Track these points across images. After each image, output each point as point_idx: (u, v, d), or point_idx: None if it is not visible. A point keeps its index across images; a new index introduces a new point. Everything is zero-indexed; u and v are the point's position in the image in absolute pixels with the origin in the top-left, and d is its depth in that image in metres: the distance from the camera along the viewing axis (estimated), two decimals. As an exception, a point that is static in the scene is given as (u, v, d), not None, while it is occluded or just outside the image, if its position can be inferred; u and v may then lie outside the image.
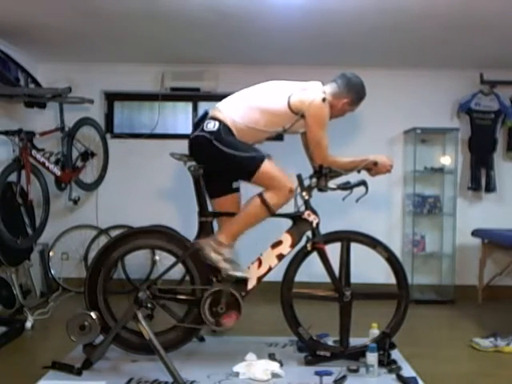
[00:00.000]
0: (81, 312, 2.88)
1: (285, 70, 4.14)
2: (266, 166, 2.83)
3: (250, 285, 2.92)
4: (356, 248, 3.04)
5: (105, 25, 3.78)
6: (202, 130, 2.87)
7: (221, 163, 2.88)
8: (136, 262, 4.50)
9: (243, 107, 2.93)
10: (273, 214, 2.87)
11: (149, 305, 2.85)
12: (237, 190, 3.15)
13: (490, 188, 4.80)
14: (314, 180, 2.99)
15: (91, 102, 4.58)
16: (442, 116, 4.86)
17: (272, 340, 3.37)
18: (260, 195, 2.85)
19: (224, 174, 3.01)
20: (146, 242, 3.07)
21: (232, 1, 3.28)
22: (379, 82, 4.45)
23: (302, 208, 2.98)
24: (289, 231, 2.98)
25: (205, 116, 2.97)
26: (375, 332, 3.07)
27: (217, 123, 2.85)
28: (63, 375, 2.78)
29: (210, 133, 2.83)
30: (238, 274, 2.86)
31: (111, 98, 5.10)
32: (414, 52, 4.36)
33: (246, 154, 2.82)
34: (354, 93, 3.02)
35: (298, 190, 2.96)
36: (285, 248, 2.94)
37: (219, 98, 3.20)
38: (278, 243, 2.95)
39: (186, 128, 4.97)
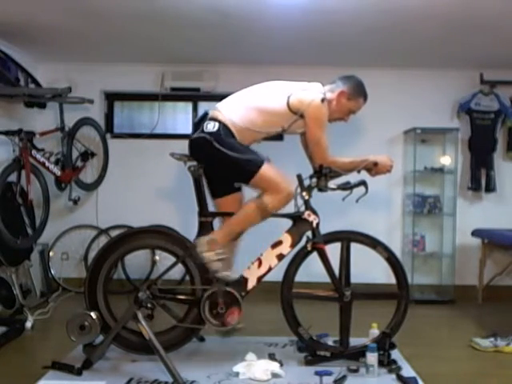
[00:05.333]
0: (81, 312, 2.88)
1: (285, 70, 4.14)
2: (265, 170, 2.82)
3: (250, 285, 2.92)
4: (356, 248, 3.04)
5: (105, 25, 3.78)
6: (202, 131, 2.87)
7: (220, 164, 2.88)
8: (136, 262, 4.50)
9: (242, 107, 2.93)
10: (268, 216, 2.87)
11: (149, 305, 2.85)
12: (239, 189, 3.15)
13: (490, 188, 4.80)
14: (314, 180, 2.98)
15: (91, 102, 4.58)
16: (442, 116, 4.86)
17: (272, 340, 3.37)
18: (256, 199, 2.86)
19: (224, 174, 3.00)
20: (146, 241, 3.07)
21: (232, 1, 3.28)
22: (379, 81, 4.45)
23: (302, 208, 2.98)
24: (289, 231, 2.97)
25: (204, 116, 2.97)
26: (375, 332, 3.07)
27: (216, 124, 2.85)
28: (63, 375, 2.77)
29: (210, 134, 2.83)
30: (226, 274, 2.86)
31: (111, 97, 5.10)
32: (414, 52, 4.36)
33: (245, 157, 2.82)
34: (349, 84, 3.01)
35: (298, 190, 2.96)
36: (285, 248, 2.94)
37: (219, 98, 3.20)
38: (278, 243, 2.95)
39: (186, 128, 4.98)
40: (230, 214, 3.03)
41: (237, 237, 3.06)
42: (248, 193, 3.12)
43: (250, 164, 2.82)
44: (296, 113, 2.90)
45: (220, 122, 2.86)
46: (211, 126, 2.85)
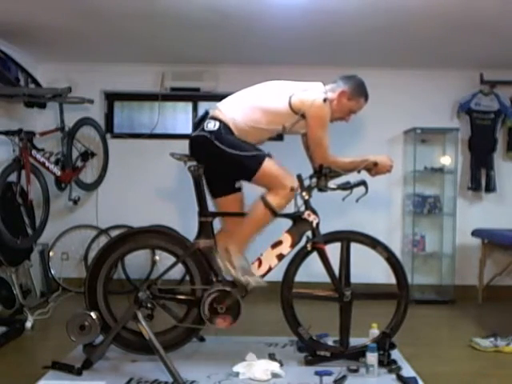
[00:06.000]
0: (81, 312, 2.88)
1: (285, 70, 4.13)
2: (267, 166, 2.82)
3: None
4: (356, 248, 3.04)
5: (105, 25, 3.78)
6: (203, 129, 2.87)
7: (221, 162, 2.88)
8: (136, 262, 4.50)
9: (244, 107, 2.92)
10: (277, 215, 2.87)
11: (149, 305, 2.85)
12: (239, 189, 3.14)
13: (490, 188, 4.80)
14: (314, 180, 2.98)
15: (91, 102, 4.58)
16: (442, 116, 4.86)
17: (272, 340, 3.37)
18: (262, 198, 2.85)
19: (225, 173, 3.00)
20: (146, 241, 3.07)
21: (232, 1, 3.28)
22: (379, 82, 4.43)
23: (302, 208, 2.98)
24: (289, 231, 2.97)
25: (205, 116, 2.96)
26: (375, 332, 3.07)
27: (217, 123, 2.85)
28: (63, 375, 2.77)
29: (211, 132, 2.83)
30: (251, 281, 2.84)
31: (111, 97, 5.10)
32: (414, 52, 4.36)
33: (247, 153, 2.82)
34: (350, 84, 3.00)
35: (298, 190, 2.96)
36: (285, 248, 2.94)
37: (219, 98, 3.20)
38: (278, 243, 2.95)
39: (186, 128, 4.98)
40: (229, 214, 3.04)
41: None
42: (247, 192, 3.12)
43: (252, 160, 2.82)
44: (298, 113, 2.89)
45: (221, 121, 2.86)
46: (212, 125, 2.85)
